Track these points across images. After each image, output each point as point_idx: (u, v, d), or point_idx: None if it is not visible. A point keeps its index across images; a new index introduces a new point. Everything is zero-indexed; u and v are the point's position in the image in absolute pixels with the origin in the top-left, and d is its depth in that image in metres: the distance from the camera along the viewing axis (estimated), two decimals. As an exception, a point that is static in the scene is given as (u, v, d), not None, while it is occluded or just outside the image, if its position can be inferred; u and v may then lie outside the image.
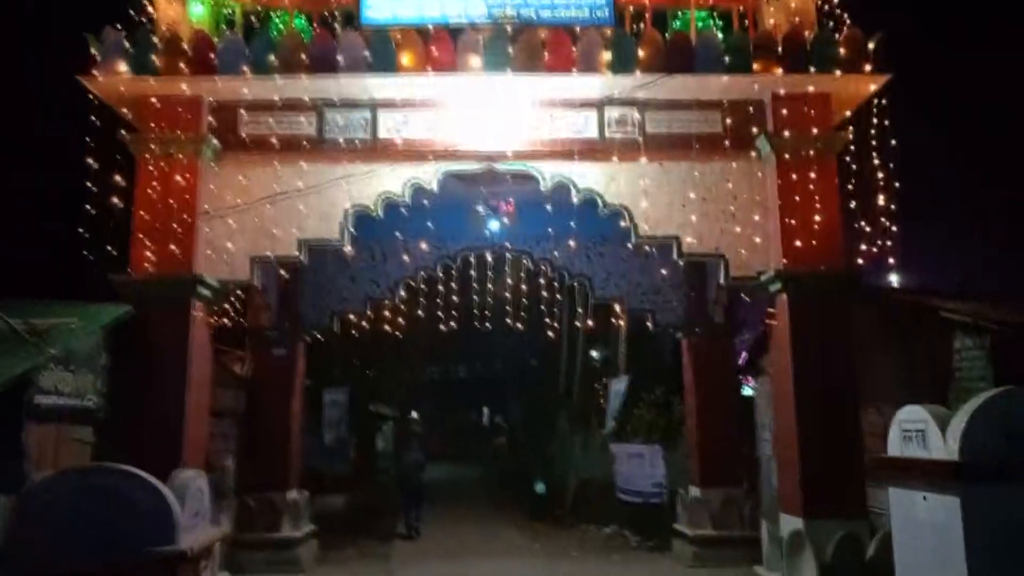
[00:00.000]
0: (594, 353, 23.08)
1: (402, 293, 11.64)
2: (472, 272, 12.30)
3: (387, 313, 12.51)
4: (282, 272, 9.95)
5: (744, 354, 12.06)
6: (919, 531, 5.54)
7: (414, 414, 43.77)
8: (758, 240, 7.99)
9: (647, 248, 8.55)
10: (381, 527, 14.47)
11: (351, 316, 11.78)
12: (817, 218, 7.75)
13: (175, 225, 7.55)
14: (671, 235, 8.06)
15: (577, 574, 9.85)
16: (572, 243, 10.96)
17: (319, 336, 11.85)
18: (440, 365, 45.90)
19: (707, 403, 10.81)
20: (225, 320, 10.83)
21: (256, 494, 10.36)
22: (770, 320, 8.13)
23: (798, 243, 7.70)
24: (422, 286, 12.17)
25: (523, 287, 12.73)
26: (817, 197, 7.78)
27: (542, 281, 12.73)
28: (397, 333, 14.07)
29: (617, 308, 12.27)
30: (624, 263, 11.46)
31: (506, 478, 24.55)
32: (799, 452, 7.36)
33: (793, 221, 7.76)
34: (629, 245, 8.33)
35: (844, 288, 7.76)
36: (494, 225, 9.83)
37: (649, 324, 11.92)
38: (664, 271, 11.11)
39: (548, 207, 9.03)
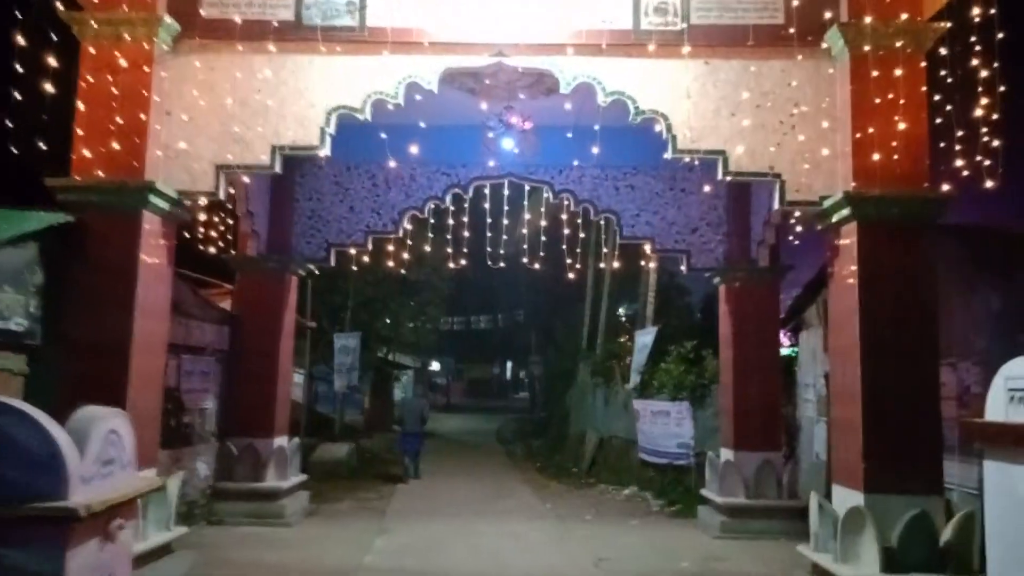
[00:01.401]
0: (621, 308, 21.81)
1: (408, 226, 10.43)
2: (486, 205, 11.05)
3: (392, 248, 11.34)
4: (246, 181, 8.72)
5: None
6: (1026, 514, 4.34)
7: (435, 365, 43.39)
8: (823, 155, 6.56)
9: (686, 162, 7.15)
10: (384, 477, 13.61)
11: (352, 250, 10.62)
12: (899, 129, 6.28)
13: (124, 122, 6.37)
14: (716, 149, 6.67)
15: (590, 540, 8.74)
16: (598, 172, 9.77)
17: (315, 270, 10.77)
18: (461, 315, 45.11)
19: (746, 357, 9.60)
20: (211, 248, 9.79)
21: (238, 439, 9.43)
22: (832, 256, 6.75)
23: (874, 159, 6.26)
24: (431, 220, 11.01)
25: (542, 223, 11.43)
26: (900, 103, 6.30)
27: (564, 217, 11.48)
28: (403, 271, 12.95)
29: (647, 250, 10.97)
30: (657, 197, 10.20)
31: (523, 433, 23.78)
32: (863, 414, 6.06)
33: (869, 132, 6.30)
34: (666, 156, 6.86)
35: (929, 216, 6.34)
36: (508, 143, 8.47)
37: (683, 267, 10.64)
38: (702, 205, 9.82)
39: (570, 130, 7.77)
